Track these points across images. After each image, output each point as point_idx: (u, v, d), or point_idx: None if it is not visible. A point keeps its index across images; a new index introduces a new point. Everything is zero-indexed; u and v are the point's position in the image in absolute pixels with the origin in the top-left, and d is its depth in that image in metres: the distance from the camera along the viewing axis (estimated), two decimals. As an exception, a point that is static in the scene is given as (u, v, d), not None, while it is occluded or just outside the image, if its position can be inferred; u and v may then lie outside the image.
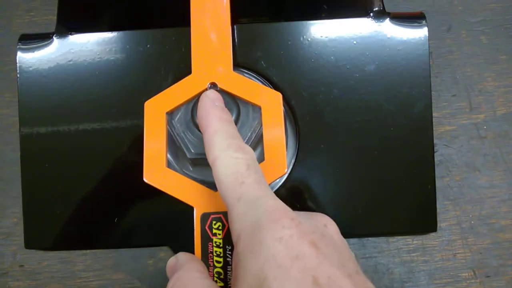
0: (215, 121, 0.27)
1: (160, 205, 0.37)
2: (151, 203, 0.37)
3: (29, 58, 0.38)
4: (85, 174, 0.37)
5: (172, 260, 0.28)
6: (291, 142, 0.37)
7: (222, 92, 0.32)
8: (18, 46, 0.38)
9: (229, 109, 0.32)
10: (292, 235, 0.21)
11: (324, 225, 0.25)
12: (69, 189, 0.37)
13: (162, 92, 0.32)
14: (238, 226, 0.23)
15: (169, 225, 0.37)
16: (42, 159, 0.37)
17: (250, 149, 0.26)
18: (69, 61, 0.38)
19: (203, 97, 0.30)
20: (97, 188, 0.37)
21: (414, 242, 0.38)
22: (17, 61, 0.38)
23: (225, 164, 0.25)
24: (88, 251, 0.38)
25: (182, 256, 0.28)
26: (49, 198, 0.37)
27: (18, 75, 0.37)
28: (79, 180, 0.37)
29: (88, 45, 0.38)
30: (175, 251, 0.37)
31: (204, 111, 0.29)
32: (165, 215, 0.37)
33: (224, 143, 0.26)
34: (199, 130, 0.32)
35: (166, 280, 0.37)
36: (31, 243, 0.37)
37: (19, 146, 0.37)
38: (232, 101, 0.33)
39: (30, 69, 0.38)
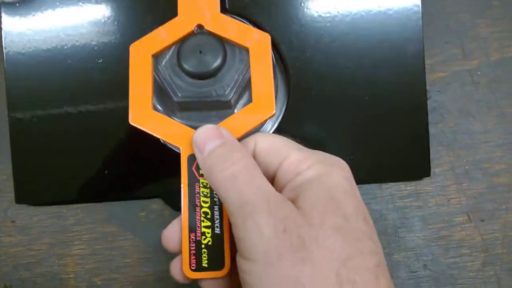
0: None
1: (151, 157, 0.37)
2: (142, 154, 0.37)
3: (14, 14, 0.37)
4: (74, 126, 0.37)
5: (214, 129, 0.27)
6: (282, 88, 0.36)
7: (209, 34, 0.31)
8: (1, 1, 0.38)
9: (215, 52, 0.31)
10: (350, 179, 0.26)
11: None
12: (58, 142, 0.37)
13: (147, 35, 0.31)
14: (307, 162, 0.25)
15: (160, 176, 0.37)
16: (30, 113, 0.37)
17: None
18: (54, 13, 0.37)
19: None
20: (86, 141, 0.37)
21: (408, 188, 0.38)
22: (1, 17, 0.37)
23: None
24: (79, 205, 0.38)
25: (228, 132, 0.27)
26: (38, 153, 0.37)
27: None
28: (68, 133, 0.37)
29: (73, -4, 0.37)
30: (167, 202, 0.37)
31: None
32: (156, 166, 0.37)
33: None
34: (186, 73, 0.32)
35: (158, 231, 0.37)
36: (21, 198, 0.37)
37: (6, 100, 0.37)
38: (219, 44, 0.32)
39: (15, 25, 0.37)
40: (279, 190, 0.25)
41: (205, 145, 0.26)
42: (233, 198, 0.24)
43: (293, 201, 0.24)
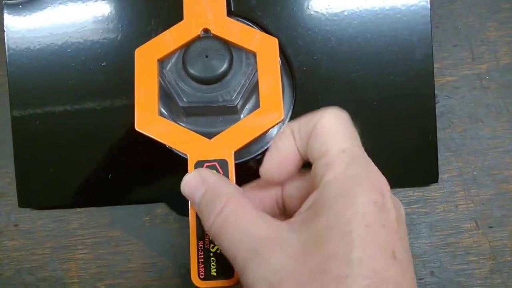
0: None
1: (156, 161, 0.36)
2: (146, 158, 0.36)
3: (17, 16, 0.37)
4: (77, 130, 0.36)
5: (195, 178, 0.25)
6: (288, 93, 0.36)
7: (215, 38, 0.31)
8: (4, 2, 0.37)
9: (222, 56, 0.31)
10: (385, 204, 0.21)
11: (400, 205, 0.24)
12: (61, 146, 0.37)
13: (153, 39, 0.31)
14: (336, 171, 0.22)
15: (165, 181, 0.37)
16: (33, 116, 0.36)
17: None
18: (58, 15, 0.37)
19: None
20: (90, 144, 0.36)
21: (415, 194, 0.37)
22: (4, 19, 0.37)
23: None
24: (82, 209, 0.38)
25: (208, 174, 0.25)
26: (41, 156, 0.37)
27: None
28: (72, 137, 0.36)
29: (77, -3, 0.37)
30: (172, 207, 0.37)
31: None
32: (161, 170, 0.36)
33: None
34: (191, 78, 0.31)
35: (163, 236, 0.37)
36: (24, 202, 0.37)
37: (9, 103, 0.36)
38: (225, 48, 0.31)
39: (18, 27, 0.37)
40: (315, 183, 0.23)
41: (193, 198, 0.25)
42: (226, 253, 0.23)
43: (308, 224, 0.21)
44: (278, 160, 0.25)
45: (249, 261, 0.21)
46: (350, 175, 0.22)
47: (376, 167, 0.23)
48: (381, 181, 0.22)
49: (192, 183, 0.25)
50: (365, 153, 0.24)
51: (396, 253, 0.20)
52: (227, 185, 0.25)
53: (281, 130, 0.26)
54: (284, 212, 0.27)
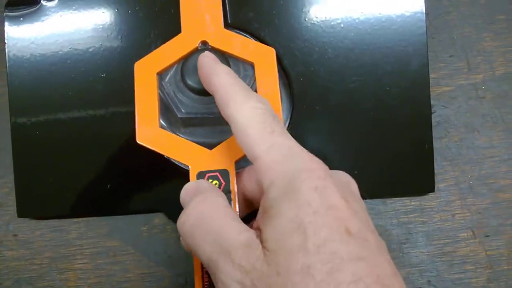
0: (225, 76, 0.27)
1: (154, 171, 0.36)
2: (145, 168, 0.36)
3: (18, 27, 0.37)
4: (76, 140, 0.36)
5: (192, 184, 0.27)
6: (285, 104, 0.36)
7: (213, 51, 0.31)
8: (5, 14, 0.37)
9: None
10: (326, 186, 0.22)
11: (348, 181, 0.26)
12: (60, 156, 0.37)
13: (152, 52, 0.31)
14: (271, 173, 0.23)
15: (163, 190, 0.37)
16: (33, 127, 0.37)
17: (267, 100, 0.26)
18: (58, 27, 0.37)
19: (201, 57, 0.28)
20: (88, 155, 0.36)
21: (412, 203, 0.37)
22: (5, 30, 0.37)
23: (250, 115, 0.24)
24: (81, 219, 0.38)
25: (204, 182, 0.27)
26: (41, 166, 0.37)
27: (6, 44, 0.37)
28: (71, 147, 0.37)
29: (76, 9, 0.37)
30: (170, 217, 0.37)
31: (208, 69, 0.27)
32: (159, 180, 0.37)
33: (243, 95, 0.25)
34: (190, 90, 0.31)
35: (160, 246, 0.38)
36: (23, 211, 0.37)
37: (9, 113, 0.37)
38: (223, 60, 0.32)
39: (19, 38, 0.37)
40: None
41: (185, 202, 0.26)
42: (196, 252, 0.23)
43: (263, 229, 0.22)
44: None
45: (221, 263, 0.22)
46: (286, 171, 0.22)
47: (306, 153, 0.24)
48: (316, 165, 0.23)
49: (189, 190, 0.27)
50: (291, 141, 0.24)
51: (351, 228, 0.21)
52: (212, 189, 0.26)
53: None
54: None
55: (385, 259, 0.21)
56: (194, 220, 0.24)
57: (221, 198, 0.25)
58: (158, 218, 0.38)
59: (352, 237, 0.20)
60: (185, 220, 0.24)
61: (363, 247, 0.20)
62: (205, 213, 0.24)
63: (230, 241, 0.22)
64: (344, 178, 0.26)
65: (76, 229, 0.38)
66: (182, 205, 0.26)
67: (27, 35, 0.37)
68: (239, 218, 0.24)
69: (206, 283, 0.26)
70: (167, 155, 0.30)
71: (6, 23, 0.37)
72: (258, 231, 0.22)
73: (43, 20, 0.37)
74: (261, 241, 0.22)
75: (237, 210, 0.27)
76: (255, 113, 0.24)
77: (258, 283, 0.20)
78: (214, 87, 0.27)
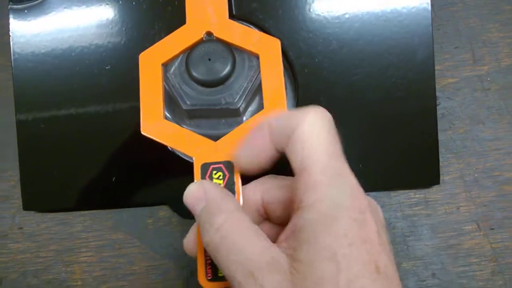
0: None
1: (159, 163, 0.36)
2: (150, 161, 0.36)
3: (22, 20, 0.37)
4: (81, 133, 0.37)
5: (197, 189, 0.26)
6: (290, 96, 0.36)
7: (218, 41, 0.31)
8: (9, 7, 0.37)
9: (225, 59, 0.31)
10: (365, 219, 0.22)
11: (377, 208, 0.25)
12: (66, 149, 0.37)
13: (157, 43, 0.31)
14: (316, 193, 0.22)
15: (168, 183, 0.37)
16: (38, 119, 0.37)
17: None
18: (62, 20, 0.37)
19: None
20: (93, 147, 0.37)
21: (417, 196, 0.37)
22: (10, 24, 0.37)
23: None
24: (86, 212, 0.38)
25: (211, 189, 0.25)
26: (46, 159, 0.37)
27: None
28: (76, 140, 0.37)
29: (80, 1, 0.37)
30: (175, 210, 0.37)
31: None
32: (164, 173, 0.37)
33: None
34: (195, 81, 0.31)
35: (166, 238, 0.38)
36: (29, 204, 0.37)
37: (14, 106, 0.37)
38: (228, 51, 0.32)
39: (23, 31, 0.37)
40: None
41: (194, 209, 0.25)
42: (222, 271, 0.23)
43: (294, 248, 0.22)
44: (252, 153, 0.26)
45: (245, 285, 0.22)
46: (331, 197, 0.22)
47: (355, 181, 0.23)
48: (361, 197, 0.22)
49: (194, 194, 0.26)
50: (345, 165, 0.23)
51: (380, 266, 0.21)
52: (227, 201, 0.25)
53: (258, 124, 0.26)
54: (267, 217, 0.28)
55: None
56: (218, 240, 0.23)
57: (240, 213, 0.24)
58: (163, 211, 0.38)
59: (380, 275, 0.21)
60: (211, 240, 0.23)
61: (388, 286, 0.21)
62: (228, 233, 0.23)
63: (254, 262, 0.22)
64: (376, 207, 0.25)
65: (81, 222, 0.38)
66: (188, 207, 0.26)
67: (31, 28, 0.37)
68: (261, 232, 0.24)
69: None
70: (171, 147, 0.30)
71: (11, 17, 0.37)
72: (285, 245, 0.22)
73: (47, 13, 0.37)
74: (292, 260, 0.21)
75: (241, 202, 0.27)
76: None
77: None
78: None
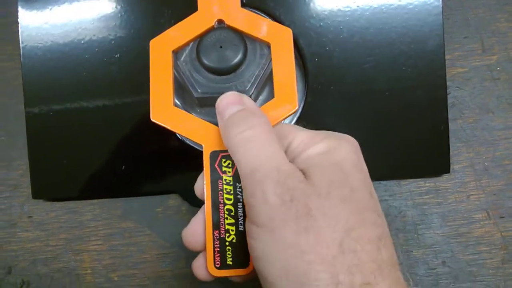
0: None
1: (168, 152, 0.36)
2: (159, 150, 0.36)
3: (31, 8, 0.37)
4: (90, 121, 0.36)
5: (234, 95, 0.27)
6: (300, 84, 0.36)
7: (229, 29, 0.31)
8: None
9: (236, 47, 0.31)
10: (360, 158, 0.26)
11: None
12: (75, 137, 0.37)
13: (167, 30, 0.31)
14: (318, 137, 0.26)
15: (177, 172, 0.37)
16: (47, 107, 0.36)
17: None
18: (71, 7, 0.37)
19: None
20: (103, 136, 0.36)
21: (427, 184, 0.37)
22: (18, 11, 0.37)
23: None
24: (95, 200, 0.38)
25: (248, 99, 0.27)
26: (55, 148, 0.37)
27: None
28: (85, 128, 0.37)
29: (89, -10, 0.37)
30: (185, 198, 0.37)
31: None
32: (174, 162, 0.37)
33: None
34: (206, 69, 0.31)
35: (176, 227, 0.38)
36: (38, 193, 0.37)
37: (23, 95, 0.36)
38: (239, 39, 0.32)
39: (32, 19, 0.37)
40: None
41: (226, 109, 0.26)
42: (245, 163, 0.24)
43: (304, 172, 0.24)
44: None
45: (267, 175, 0.23)
46: (328, 135, 0.26)
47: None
48: (349, 137, 0.26)
49: (231, 98, 0.27)
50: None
51: (372, 192, 0.24)
52: (262, 113, 0.26)
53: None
54: None
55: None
56: (251, 134, 0.25)
57: (270, 126, 0.26)
58: (173, 200, 0.38)
59: (373, 197, 0.24)
60: (242, 131, 0.25)
61: (377, 206, 0.24)
62: (262, 133, 0.25)
63: (281, 161, 0.24)
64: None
65: (91, 210, 0.38)
66: (217, 111, 0.27)
67: (40, 17, 0.37)
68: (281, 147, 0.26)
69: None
70: (181, 134, 0.30)
71: (19, 5, 0.37)
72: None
73: (56, 2, 0.37)
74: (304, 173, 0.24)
75: None
76: None
77: (297, 199, 0.22)
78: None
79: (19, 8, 0.37)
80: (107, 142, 0.36)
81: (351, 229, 0.22)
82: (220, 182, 0.28)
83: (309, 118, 0.36)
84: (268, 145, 0.24)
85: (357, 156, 0.25)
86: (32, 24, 0.37)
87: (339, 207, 0.22)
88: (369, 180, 0.25)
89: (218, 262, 0.27)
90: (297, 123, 0.36)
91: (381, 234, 0.23)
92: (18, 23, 0.37)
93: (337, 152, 0.25)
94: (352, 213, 0.22)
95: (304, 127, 0.35)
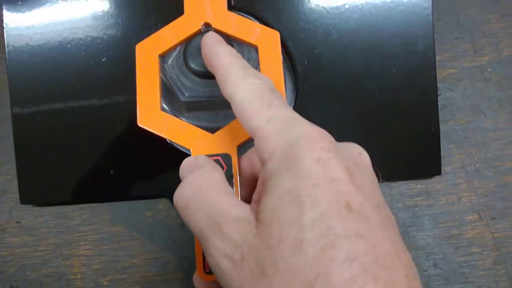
0: (226, 55, 0.26)
1: (157, 156, 0.36)
2: (148, 154, 0.36)
3: (16, 11, 0.36)
4: (78, 125, 0.36)
5: (190, 159, 0.26)
6: (289, 87, 0.36)
7: (216, 33, 0.31)
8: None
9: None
10: (330, 158, 0.20)
11: (358, 153, 0.24)
12: (62, 142, 0.36)
13: (154, 34, 0.31)
14: (271, 144, 0.22)
15: (166, 176, 0.36)
16: (33, 112, 0.36)
17: (267, 77, 0.25)
18: (57, 11, 0.36)
19: (205, 38, 0.28)
20: (90, 140, 0.36)
21: (418, 186, 0.37)
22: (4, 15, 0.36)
23: (248, 89, 0.24)
24: (84, 205, 0.38)
25: (203, 157, 0.26)
26: (42, 153, 0.36)
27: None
28: (72, 133, 0.36)
29: (76, -8, 0.36)
30: (173, 202, 0.37)
31: (210, 48, 0.27)
32: (163, 166, 0.36)
33: (241, 72, 0.25)
34: (193, 73, 0.31)
35: (164, 232, 0.37)
36: (26, 198, 0.37)
37: (9, 99, 0.36)
38: (226, 42, 0.31)
39: (18, 23, 0.36)
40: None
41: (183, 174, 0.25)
42: (192, 229, 0.23)
43: (259, 203, 0.21)
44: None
45: (211, 236, 0.21)
46: (284, 141, 0.21)
47: (309, 122, 0.22)
48: (319, 134, 0.21)
49: (187, 161, 0.26)
50: (289, 111, 0.23)
51: (352, 204, 0.19)
52: (210, 163, 0.25)
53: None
54: None
55: (388, 237, 0.20)
56: (189, 193, 0.23)
57: (217, 172, 0.24)
58: (162, 204, 0.37)
59: (352, 213, 0.19)
60: (181, 193, 0.24)
61: (364, 224, 0.19)
62: (201, 187, 0.23)
63: (223, 215, 0.21)
64: (354, 150, 0.24)
65: (80, 215, 0.38)
66: (181, 179, 0.26)
67: (26, 20, 0.36)
68: (235, 194, 0.24)
69: (207, 268, 0.27)
70: (168, 139, 0.30)
71: (4, 8, 0.37)
72: (256, 204, 0.22)
73: (42, 4, 0.36)
74: (256, 214, 0.21)
75: (239, 194, 0.27)
76: (253, 88, 0.24)
77: (248, 257, 0.20)
78: (214, 67, 0.26)
79: (4, 11, 0.36)
80: (95, 146, 0.36)
81: (316, 277, 0.18)
82: None
83: (299, 121, 0.36)
84: (205, 201, 0.22)
85: (323, 166, 0.20)
86: (18, 27, 0.36)
87: (294, 257, 0.18)
88: (351, 192, 0.20)
89: (207, 268, 0.27)
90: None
91: (355, 272, 0.18)
92: (3, 26, 0.36)
93: (293, 170, 0.20)
94: (311, 260, 0.18)
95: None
